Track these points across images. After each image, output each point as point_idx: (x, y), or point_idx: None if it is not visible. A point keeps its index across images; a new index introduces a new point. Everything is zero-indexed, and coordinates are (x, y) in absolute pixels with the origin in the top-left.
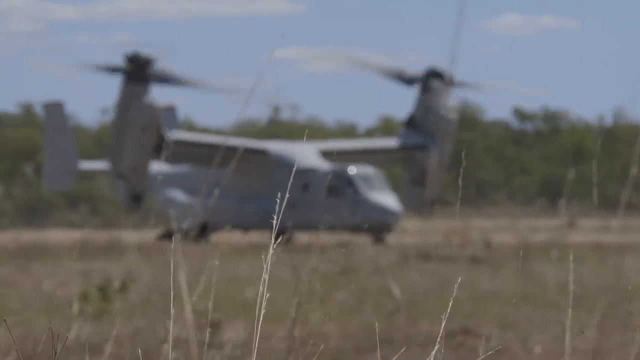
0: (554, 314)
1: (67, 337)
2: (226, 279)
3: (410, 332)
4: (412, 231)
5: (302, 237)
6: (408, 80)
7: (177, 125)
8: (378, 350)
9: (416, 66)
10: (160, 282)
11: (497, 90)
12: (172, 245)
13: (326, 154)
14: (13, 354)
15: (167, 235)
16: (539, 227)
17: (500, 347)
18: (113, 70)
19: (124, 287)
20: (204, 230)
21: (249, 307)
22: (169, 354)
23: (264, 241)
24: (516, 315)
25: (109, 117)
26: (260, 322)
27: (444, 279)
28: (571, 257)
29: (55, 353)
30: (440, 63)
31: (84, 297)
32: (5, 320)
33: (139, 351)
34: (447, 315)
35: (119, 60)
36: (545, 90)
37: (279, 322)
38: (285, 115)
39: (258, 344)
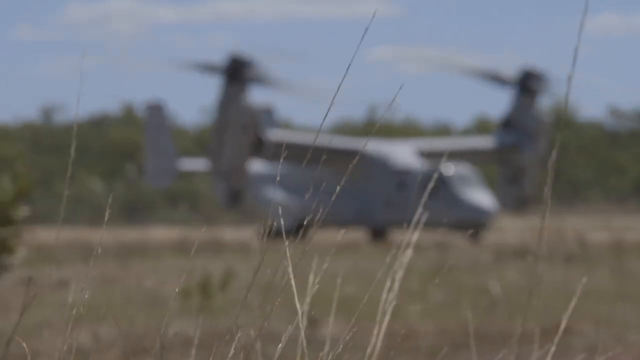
0: None
1: (175, 332)
2: (323, 277)
3: (507, 329)
4: (508, 229)
5: (398, 236)
6: (503, 82)
7: (274, 125)
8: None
9: (511, 64)
10: (259, 281)
11: (592, 89)
12: (263, 241)
13: (422, 154)
14: (119, 348)
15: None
16: (633, 226)
17: (597, 345)
18: (212, 69)
19: (224, 284)
20: (301, 228)
21: (346, 304)
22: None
23: (360, 239)
24: (613, 313)
25: (209, 117)
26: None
27: (540, 277)
28: None
29: (162, 347)
30: (535, 61)
31: (185, 293)
32: (112, 316)
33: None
34: (542, 313)
35: (218, 62)
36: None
37: (376, 318)
38: (382, 114)
39: (356, 340)
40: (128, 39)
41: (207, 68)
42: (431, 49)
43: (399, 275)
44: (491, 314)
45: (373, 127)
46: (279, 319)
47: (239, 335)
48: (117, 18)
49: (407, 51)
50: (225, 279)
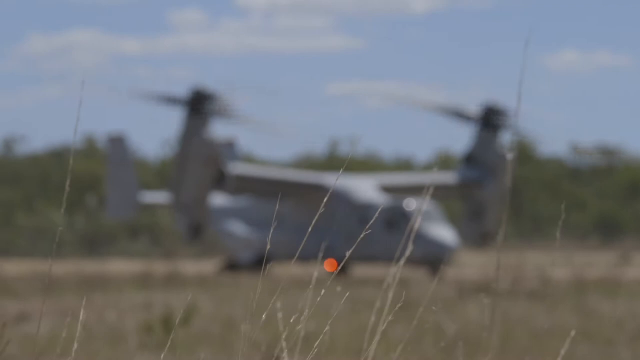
0: (612, 350)
1: None
2: (286, 312)
3: None
4: (469, 265)
5: (361, 271)
6: (466, 119)
7: (236, 159)
8: None
9: (476, 100)
10: (221, 315)
11: (552, 140)
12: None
13: (384, 189)
14: None
15: (228, 267)
16: (594, 262)
17: None
18: (175, 102)
19: (186, 319)
20: (263, 263)
21: (309, 341)
22: None
23: (323, 274)
24: (575, 351)
25: (170, 150)
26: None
27: (502, 314)
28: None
29: None
30: (500, 96)
31: (147, 328)
32: (74, 351)
33: None
34: (503, 350)
35: (180, 95)
36: (600, 141)
37: (339, 355)
38: (344, 149)
39: None
40: (89, 69)
41: (170, 100)
42: (394, 84)
43: (362, 312)
44: (452, 352)
45: (335, 162)
46: (240, 353)
47: None
48: (79, 49)
49: (369, 86)
50: (187, 314)
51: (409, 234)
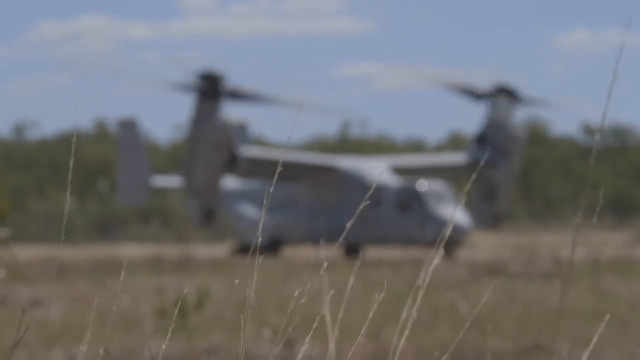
0: (627, 330)
1: (150, 353)
2: (297, 294)
3: (481, 348)
4: (481, 246)
5: (374, 253)
6: (477, 96)
7: (248, 142)
8: None
9: (485, 81)
10: (234, 298)
11: (565, 107)
12: (247, 260)
13: (396, 170)
14: None
15: (240, 251)
16: (607, 242)
17: None
18: (186, 88)
19: (200, 303)
20: (275, 245)
21: (322, 324)
22: None
23: (335, 256)
24: (590, 332)
25: (182, 133)
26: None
27: (515, 295)
28: None
29: None
30: (510, 79)
31: (160, 313)
32: (88, 336)
33: None
34: (518, 331)
35: (190, 78)
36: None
37: (352, 338)
38: (355, 131)
39: (334, 359)
40: (99, 54)
41: (182, 87)
42: (404, 65)
43: (374, 294)
44: (466, 333)
45: (346, 143)
46: (253, 337)
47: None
48: (89, 34)
49: (379, 67)
50: (200, 298)
51: (421, 215)
